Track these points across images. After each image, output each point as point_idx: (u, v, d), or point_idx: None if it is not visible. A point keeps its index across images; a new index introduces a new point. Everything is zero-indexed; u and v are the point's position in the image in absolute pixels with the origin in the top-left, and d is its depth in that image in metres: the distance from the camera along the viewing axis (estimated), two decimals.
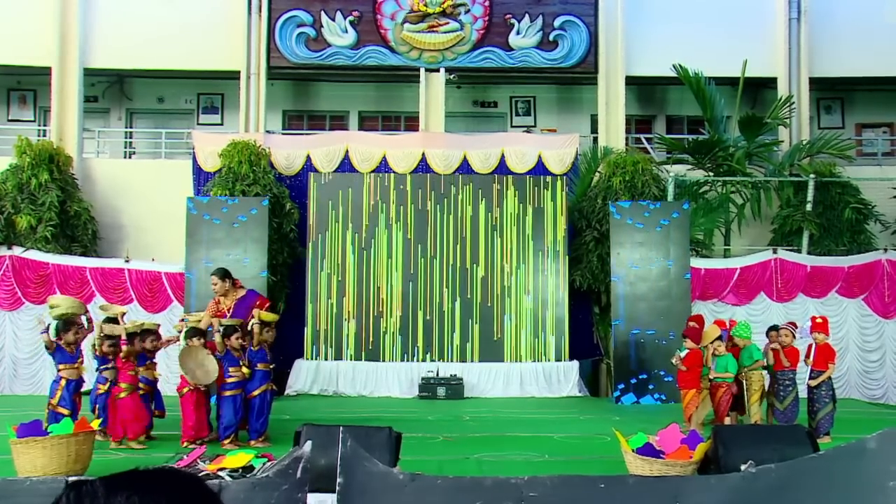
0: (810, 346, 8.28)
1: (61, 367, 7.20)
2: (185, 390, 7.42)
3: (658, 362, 11.02)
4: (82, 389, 8.25)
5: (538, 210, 12.59)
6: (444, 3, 14.72)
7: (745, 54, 14.18)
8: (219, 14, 14.88)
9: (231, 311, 7.87)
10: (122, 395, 7.40)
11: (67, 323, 7.31)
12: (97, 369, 7.65)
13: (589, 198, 13.35)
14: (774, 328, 8.82)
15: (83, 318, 7.99)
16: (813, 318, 8.48)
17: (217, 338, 7.41)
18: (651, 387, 11.10)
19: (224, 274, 8.00)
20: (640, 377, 11.11)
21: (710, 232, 13.17)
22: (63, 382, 7.13)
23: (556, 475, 3.76)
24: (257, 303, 7.99)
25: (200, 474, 5.10)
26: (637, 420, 9.07)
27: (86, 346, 8.29)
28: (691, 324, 9.34)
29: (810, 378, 8.17)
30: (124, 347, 7.47)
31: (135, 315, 11.71)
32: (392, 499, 3.67)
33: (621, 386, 11.16)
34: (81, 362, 7.39)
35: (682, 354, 8.50)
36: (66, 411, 7.00)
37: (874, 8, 15.08)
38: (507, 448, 7.42)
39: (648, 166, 13.12)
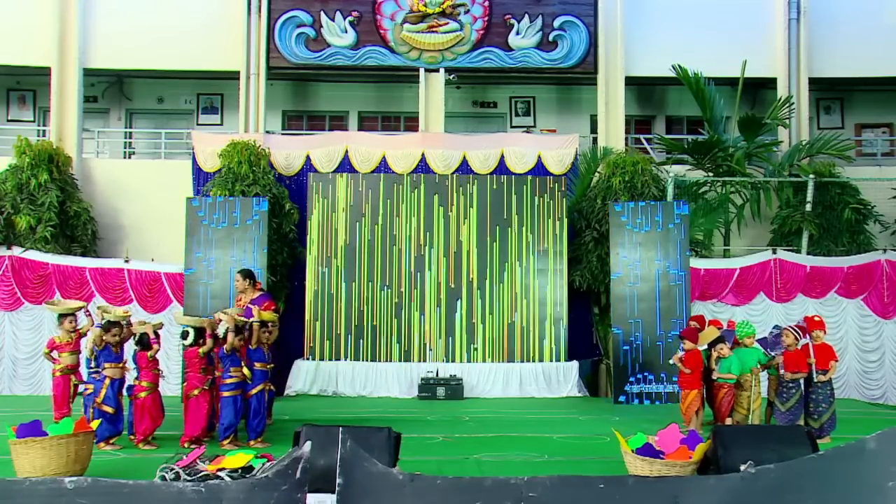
0: (805, 346, 8.25)
1: (107, 366, 7.47)
2: (196, 392, 7.41)
3: (658, 363, 11.02)
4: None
5: (538, 210, 12.59)
6: (443, 3, 14.73)
7: (745, 55, 14.19)
8: (218, 14, 14.89)
9: (244, 308, 8.28)
10: (143, 394, 7.45)
11: (110, 323, 7.61)
12: (96, 369, 7.64)
13: (588, 198, 13.36)
14: (778, 327, 8.79)
15: (82, 314, 8.10)
16: (811, 318, 8.43)
17: (230, 336, 7.43)
18: (651, 387, 11.10)
19: (247, 274, 8.74)
20: (640, 377, 11.11)
21: (710, 232, 13.16)
22: (108, 381, 7.42)
23: (555, 475, 3.76)
24: (265, 305, 8.40)
25: (200, 474, 5.09)
26: (637, 420, 9.07)
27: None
28: (692, 323, 9.34)
29: (818, 376, 8.13)
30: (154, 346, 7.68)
31: (135, 315, 11.72)
32: (391, 499, 3.67)
33: (621, 387, 11.15)
34: (125, 362, 7.68)
35: (681, 355, 8.50)
36: (111, 409, 7.36)
37: (874, 8, 15.10)
38: (507, 448, 7.41)
39: (648, 167, 13.12)
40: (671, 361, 8.93)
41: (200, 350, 7.45)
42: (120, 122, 16.81)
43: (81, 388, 7.96)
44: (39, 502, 3.48)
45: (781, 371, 8.21)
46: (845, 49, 15.05)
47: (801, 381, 8.26)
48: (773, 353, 8.38)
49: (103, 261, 12.78)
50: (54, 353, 8.05)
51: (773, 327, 8.97)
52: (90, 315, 8.19)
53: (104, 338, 7.53)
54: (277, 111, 16.57)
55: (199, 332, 7.53)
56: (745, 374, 8.23)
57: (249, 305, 8.20)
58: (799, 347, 8.24)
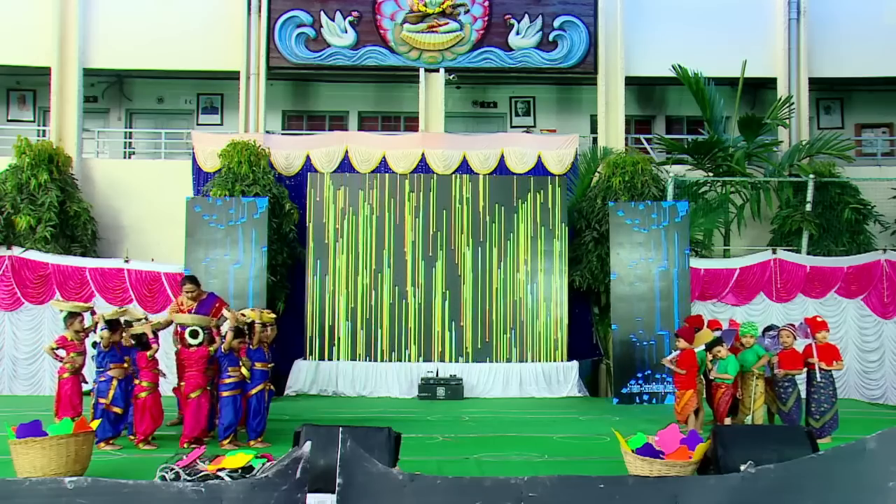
0: (808, 346, 8.26)
1: (113, 366, 7.48)
2: (195, 394, 7.41)
3: (657, 363, 11.01)
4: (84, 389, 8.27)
5: (537, 210, 12.58)
6: (443, 3, 14.72)
7: (745, 55, 14.20)
8: (218, 14, 14.89)
9: (194, 311, 8.56)
10: (144, 394, 7.45)
11: (112, 324, 7.63)
12: (99, 368, 7.63)
13: (588, 198, 13.36)
14: (771, 328, 8.80)
15: (87, 314, 8.07)
16: (813, 320, 8.42)
17: (229, 336, 7.44)
18: (651, 387, 11.10)
19: (198, 280, 9.13)
20: (640, 377, 11.11)
21: (710, 232, 13.16)
22: (115, 382, 7.43)
23: (555, 475, 3.76)
24: (217, 304, 8.70)
25: (200, 474, 5.09)
26: (636, 420, 9.08)
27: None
28: (686, 325, 9.33)
29: (821, 377, 8.13)
30: (153, 346, 7.71)
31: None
32: (392, 499, 3.67)
33: (621, 387, 11.15)
34: (129, 362, 7.67)
35: (675, 355, 8.48)
36: (120, 410, 7.40)
37: (874, 8, 15.11)
38: (507, 448, 7.42)
39: (648, 167, 13.12)
40: (663, 362, 8.92)
41: (211, 349, 7.46)
42: (120, 122, 16.80)
43: (86, 387, 7.95)
44: (39, 502, 3.48)
45: (776, 370, 8.24)
46: (845, 49, 15.05)
47: (797, 379, 8.29)
48: (769, 352, 8.42)
49: (103, 261, 12.78)
50: (61, 352, 7.98)
51: (766, 328, 8.97)
52: (95, 314, 8.17)
53: (112, 339, 7.55)
54: (277, 111, 16.57)
55: (208, 331, 7.57)
56: (747, 371, 8.27)
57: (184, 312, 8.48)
58: (799, 349, 8.27)
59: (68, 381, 7.90)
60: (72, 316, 8.10)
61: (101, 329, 7.57)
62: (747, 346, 8.37)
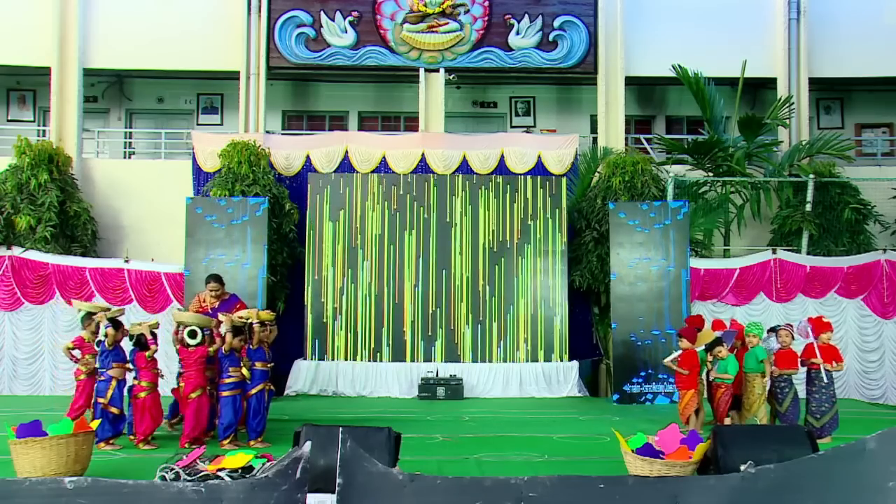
0: (809, 345, 8.26)
1: (115, 366, 7.50)
2: (195, 394, 7.40)
3: (657, 363, 11.02)
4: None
5: (538, 210, 12.59)
6: (443, 3, 14.73)
7: (745, 55, 14.20)
8: (218, 14, 14.89)
9: (215, 310, 8.56)
10: (143, 394, 7.44)
11: (116, 322, 7.65)
12: (101, 368, 7.62)
13: (588, 198, 13.36)
14: (775, 329, 8.80)
15: (94, 316, 8.04)
16: (817, 320, 8.41)
17: (228, 337, 7.44)
18: (650, 387, 11.10)
19: (222, 279, 9.15)
20: (640, 377, 11.11)
21: (710, 232, 13.16)
22: (114, 382, 7.45)
23: (555, 475, 3.76)
24: (237, 305, 8.72)
25: (200, 474, 5.09)
26: (636, 420, 9.08)
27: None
28: (687, 324, 9.33)
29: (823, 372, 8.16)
30: (152, 346, 7.70)
31: (135, 315, 11.72)
32: (392, 499, 3.67)
33: (621, 387, 11.15)
34: (128, 362, 7.69)
35: (676, 355, 8.47)
36: (117, 410, 7.41)
37: (874, 8, 15.11)
38: (507, 448, 7.41)
39: (648, 167, 13.12)
40: (665, 362, 8.93)
41: (210, 349, 7.47)
42: (120, 122, 16.81)
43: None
44: (39, 502, 3.48)
45: (772, 368, 8.25)
46: (845, 49, 15.06)
47: (794, 380, 8.29)
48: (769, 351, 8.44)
49: (103, 261, 12.78)
50: (76, 353, 7.91)
51: (771, 328, 8.97)
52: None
53: (116, 337, 7.58)
54: (277, 111, 16.57)
55: (208, 331, 7.58)
56: (754, 373, 8.28)
57: (211, 310, 8.51)
58: (798, 349, 8.28)
59: (82, 384, 7.87)
60: (89, 316, 8.04)
61: (106, 327, 7.57)
62: (751, 346, 8.38)
